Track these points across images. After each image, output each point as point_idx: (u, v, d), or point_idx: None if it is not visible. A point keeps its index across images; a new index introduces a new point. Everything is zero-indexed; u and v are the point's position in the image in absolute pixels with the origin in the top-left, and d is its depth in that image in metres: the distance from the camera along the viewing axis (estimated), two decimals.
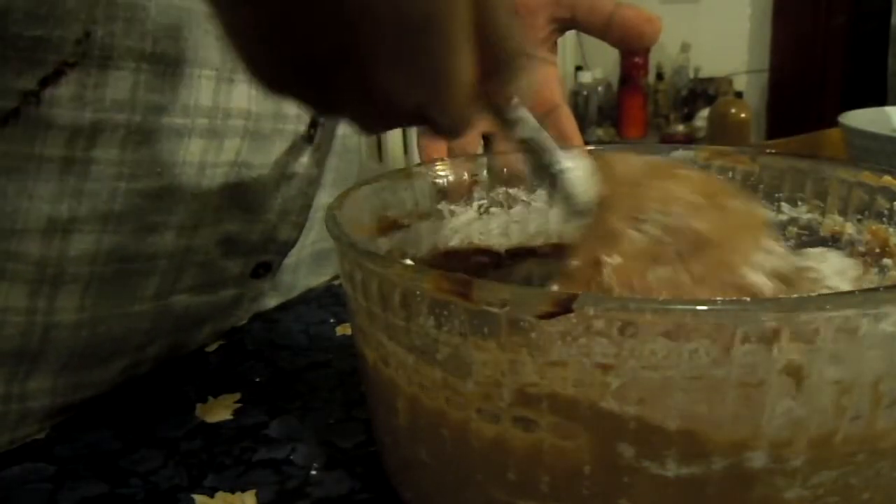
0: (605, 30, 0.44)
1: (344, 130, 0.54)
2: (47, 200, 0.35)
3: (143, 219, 0.38)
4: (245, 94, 0.40)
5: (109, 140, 0.36)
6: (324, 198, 0.52)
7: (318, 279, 0.57)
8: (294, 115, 0.44)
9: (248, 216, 0.44)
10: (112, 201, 0.37)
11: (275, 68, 0.25)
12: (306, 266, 0.55)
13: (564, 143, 0.45)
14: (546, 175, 0.32)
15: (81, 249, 0.37)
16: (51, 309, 0.37)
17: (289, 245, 0.49)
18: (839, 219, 0.38)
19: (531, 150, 0.32)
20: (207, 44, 0.38)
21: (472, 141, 0.44)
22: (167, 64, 0.36)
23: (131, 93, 0.36)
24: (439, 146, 0.42)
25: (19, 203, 0.35)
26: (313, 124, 0.46)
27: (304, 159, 0.46)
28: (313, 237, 0.55)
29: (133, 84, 0.36)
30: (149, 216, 0.39)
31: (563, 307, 0.23)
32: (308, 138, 0.46)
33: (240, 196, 0.43)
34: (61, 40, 0.33)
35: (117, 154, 0.36)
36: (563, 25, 0.45)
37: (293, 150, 0.45)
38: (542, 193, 0.43)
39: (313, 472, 0.34)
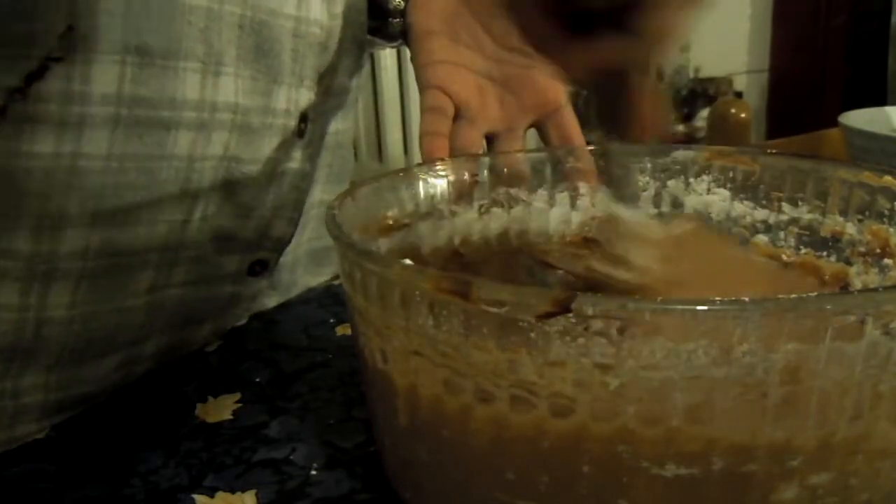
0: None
1: (336, 127, 0.54)
2: (37, 196, 0.35)
3: (132, 213, 0.38)
4: (231, 88, 0.40)
5: (97, 134, 0.36)
6: (317, 195, 0.52)
7: (316, 278, 0.57)
8: (283, 110, 0.44)
9: (240, 211, 0.44)
10: (101, 196, 0.37)
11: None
12: (304, 265, 0.55)
13: (566, 144, 0.45)
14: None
15: (72, 245, 0.37)
16: (42, 305, 0.37)
17: (284, 242, 0.49)
18: (840, 219, 0.38)
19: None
20: (192, 36, 0.38)
21: (475, 141, 0.44)
22: (152, 56, 0.36)
23: (117, 86, 0.36)
24: (442, 145, 0.42)
25: (8, 200, 0.35)
26: (303, 119, 0.46)
27: (296, 154, 0.46)
28: (309, 234, 0.55)
29: (119, 77, 0.36)
30: (138, 210, 0.39)
31: (562, 307, 0.23)
32: (299, 133, 0.45)
33: (231, 191, 0.43)
34: (45, 35, 0.33)
35: (105, 148, 0.36)
36: None
37: (284, 146, 0.45)
38: (542, 194, 0.43)
39: (313, 472, 0.34)
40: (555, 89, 0.46)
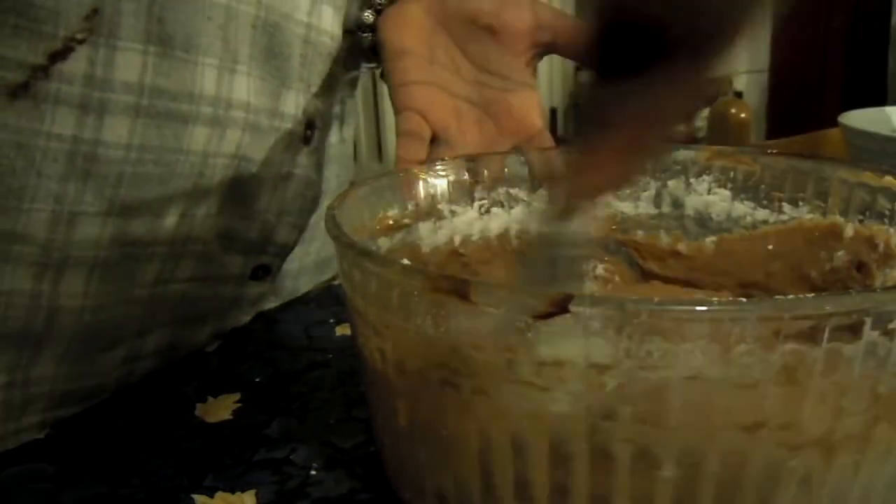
0: (585, 56, 0.43)
1: (341, 137, 0.54)
2: (55, 180, 0.36)
3: (146, 205, 0.39)
4: (245, 86, 0.41)
5: (117, 122, 0.36)
6: (326, 206, 0.52)
7: (317, 284, 0.57)
8: (291, 115, 0.44)
9: (246, 212, 0.44)
10: (118, 186, 0.37)
11: None
12: (309, 273, 0.55)
13: (546, 168, 0.44)
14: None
15: (86, 233, 0.37)
16: (55, 293, 0.38)
17: (287, 248, 0.49)
18: (840, 219, 0.38)
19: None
20: (210, 31, 0.38)
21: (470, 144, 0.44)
22: (173, 48, 0.37)
23: (139, 75, 0.36)
24: (417, 152, 0.41)
25: (27, 180, 0.35)
26: (310, 126, 0.46)
27: (302, 161, 0.46)
28: (318, 246, 0.55)
29: (141, 67, 0.36)
30: (151, 202, 0.39)
31: (560, 307, 0.23)
32: (305, 140, 0.46)
33: (238, 190, 0.43)
34: (70, 13, 0.34)
35: (125, 137, 0.37)
36: (544, 50, 0.45)
37: (290, 151, 0.45)
38: (542, 193, 0.43)
39: (313, 472, 0.35)
40: (531, 113, 0.45)
